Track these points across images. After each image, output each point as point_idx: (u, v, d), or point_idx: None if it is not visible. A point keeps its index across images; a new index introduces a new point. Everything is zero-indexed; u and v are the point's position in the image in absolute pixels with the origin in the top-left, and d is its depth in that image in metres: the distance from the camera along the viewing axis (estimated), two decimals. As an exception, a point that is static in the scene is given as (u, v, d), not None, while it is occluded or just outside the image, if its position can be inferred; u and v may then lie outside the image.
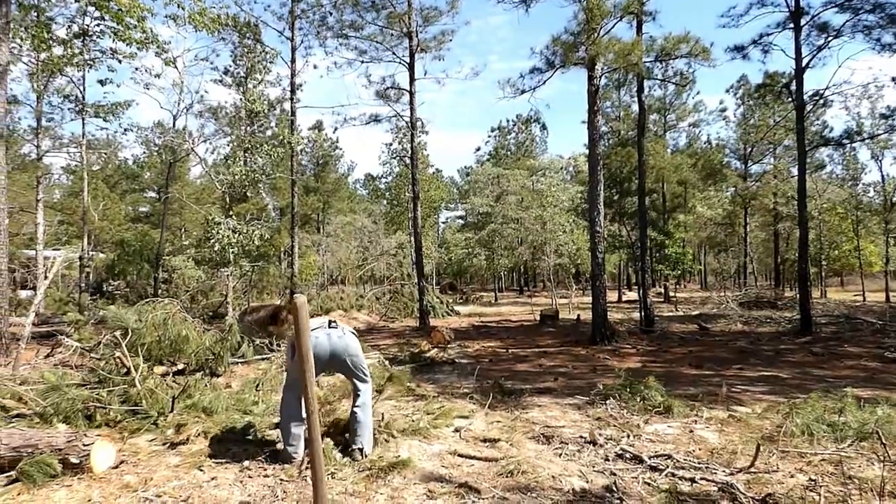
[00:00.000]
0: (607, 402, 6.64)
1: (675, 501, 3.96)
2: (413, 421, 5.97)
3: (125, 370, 6.12)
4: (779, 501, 3.87)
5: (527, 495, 4.16)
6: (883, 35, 15.01)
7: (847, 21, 14.79)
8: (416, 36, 19.40)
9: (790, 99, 17.58)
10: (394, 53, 20.07)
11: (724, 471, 4.47)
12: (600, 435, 5.40)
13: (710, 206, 36.61)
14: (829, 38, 15.11)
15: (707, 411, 6.29)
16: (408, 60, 19.52)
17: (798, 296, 15.71)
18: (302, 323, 2.53)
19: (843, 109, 33.23)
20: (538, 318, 20.52)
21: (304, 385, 2.50)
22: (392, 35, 19.77)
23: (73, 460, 4.17)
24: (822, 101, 18.50)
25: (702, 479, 4.32)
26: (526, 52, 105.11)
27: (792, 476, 4.35)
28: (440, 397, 7.32)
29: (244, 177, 10.98)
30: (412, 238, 23.57)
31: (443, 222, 62.21)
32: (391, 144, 46.46)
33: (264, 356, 8.88)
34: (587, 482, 4.37)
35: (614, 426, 5.81)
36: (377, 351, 10.91)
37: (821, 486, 4.09)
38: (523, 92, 14.22)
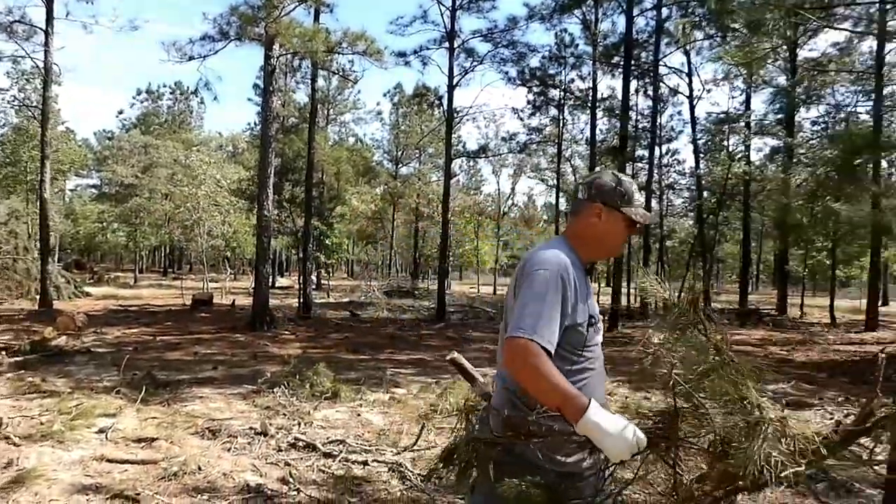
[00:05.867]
0: (275, 390, 6.49)
1: (350, 485, 4.04)
2: (42, 424, 4.96)
3: None
4: (441, 475, 4.23)
5: (197, 497, 3.78)
6: (510, 70, 17.97)
7: (489, 51, 17.24)
8: (58, -36, 16.25)
9: (442, 110, 19.72)
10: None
11: (392, 451, 4.73)
12: (271, 425, 5.23)
13: (364, 202, 38.93)
14: (475, 64, 17.41)
15: (371, 394, 6.62)
16: (44, -9, 16.24)
17: (437, 287, 17.71)
18: None
19: (476, 128, 38.61)
20: (189, 302, 19.13)
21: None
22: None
23: None
24: (465, 118, 21.27)
25: (373, 461, 4.49)
26: (190, 21, 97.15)
27: (449, 449, 4.82)
28: (76, 393, 6.23)
29: None
30: (38, 205, 19.81)
31: (71, 190, 53.60)
32: (8, 90, 38.10)
33: None
34: (262, 476, 4.18)
35: (284, 415, 5.70)
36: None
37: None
38: (192, 59, 13.05)
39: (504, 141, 28.07)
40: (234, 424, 5.30)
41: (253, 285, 14.02)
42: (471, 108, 19.47)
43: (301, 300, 16.72)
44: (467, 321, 17.79)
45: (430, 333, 14.39)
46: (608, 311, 16.63)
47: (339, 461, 4.46)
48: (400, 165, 41.26)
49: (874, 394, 1.41)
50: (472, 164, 46.88)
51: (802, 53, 19.83)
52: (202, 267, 29.50)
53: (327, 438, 4.95)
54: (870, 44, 17.33)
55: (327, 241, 25.78)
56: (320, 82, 35.52)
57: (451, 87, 17.26)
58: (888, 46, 15.13)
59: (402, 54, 17.61)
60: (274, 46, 12.84)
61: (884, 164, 14.57)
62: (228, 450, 4.66)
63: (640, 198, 1.87)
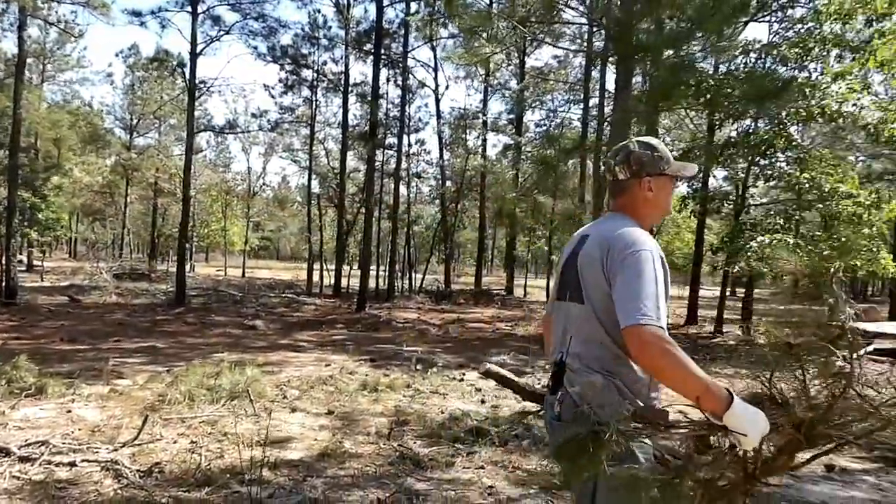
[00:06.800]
0: (-42, 390, 5.52)
1: (51, 490, 3.63)
2: None
3: None
4: (164, 469, 4.02)
5: None
6: (260, 45, 17.33)
7: (237, 22, 16.43)
8: None
9: (184, 79, 18.28)
10: None
11: (107, 448, 4.35)
12: (-51, 431, 4.45)
13: (90, 173, 34.36)
14: (221, 33, 16.45)
15: (87, 388, 5.98)
16: None
17: (176, 269, 16.49)
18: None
19: (223, 102, 36.58)
20: None
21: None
22: None
23: None
24: (211, 90, 20.00)
25: (83, 460, 4.09)
26: None
27: (175, 441, 4.58)
28: None
29: None
30: None
31: None
32: None
33: None
34: (-69, 492, 3.55)
35: (-32, 418, 4.89)
36: None
37: (201, 447, 4.45)
38: None
39: (254, 118, 27.03)
40: None
41: (-66, 267, 11.63)
42: (216, 79, 18.36)
43: (3, 284, 14.31)
44: (210, 305, 16.88)
45: (167, 319, 13.38)
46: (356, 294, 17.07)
47: (40, 465, 3.97)
48: (136, 135, 37.26)
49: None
50: (220, 139, 44.16)
51: (530, 62, 22.33)
52: None
53: (25, 440, 4.37)
54: (580, 60, 20.17)
55: (41, 216, 22.33)
56: (34, 32, 30.45)
57: (193, 55, 16.06)
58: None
59: (136, 13, 15.99)
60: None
61: (589, 164, 17.09)
62: None
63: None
